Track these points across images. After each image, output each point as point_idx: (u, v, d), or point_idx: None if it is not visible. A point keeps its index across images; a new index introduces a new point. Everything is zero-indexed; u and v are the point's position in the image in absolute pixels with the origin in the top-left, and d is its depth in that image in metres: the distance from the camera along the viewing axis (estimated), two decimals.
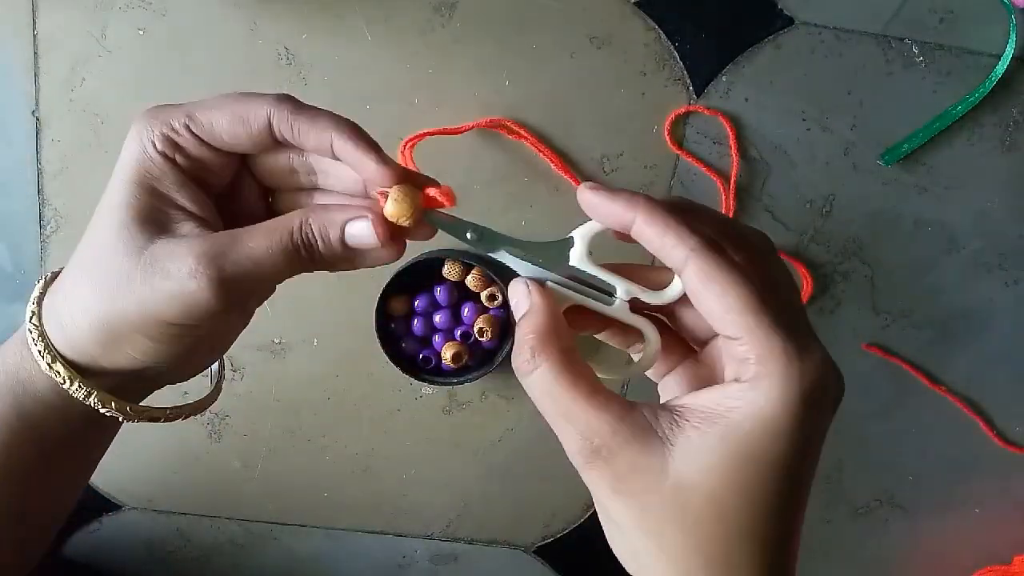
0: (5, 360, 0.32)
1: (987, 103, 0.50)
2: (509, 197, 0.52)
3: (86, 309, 0.30)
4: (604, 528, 0.29)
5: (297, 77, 0.50)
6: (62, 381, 0.30)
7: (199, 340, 0.31)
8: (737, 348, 0.26)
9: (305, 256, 0.29)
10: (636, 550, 0.28)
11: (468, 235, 0.32)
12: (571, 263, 0.30)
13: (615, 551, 0.29)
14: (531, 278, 0.30)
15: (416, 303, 0.52)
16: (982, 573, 0.61)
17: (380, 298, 0.51)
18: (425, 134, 0.50)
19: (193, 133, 0.30)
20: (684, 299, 0.29)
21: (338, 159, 0.31)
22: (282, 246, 0.29)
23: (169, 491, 0.59)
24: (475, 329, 0.52)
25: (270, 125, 0.30)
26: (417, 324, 0.53)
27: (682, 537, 0.26)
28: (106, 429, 0.35)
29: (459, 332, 0.52)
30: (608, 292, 0.30)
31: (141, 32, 0.49)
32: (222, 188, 0.32)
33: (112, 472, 0.59)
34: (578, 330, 0.31)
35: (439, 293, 0.52)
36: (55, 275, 0.33)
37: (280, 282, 0.31)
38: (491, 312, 0.53)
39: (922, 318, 0.55)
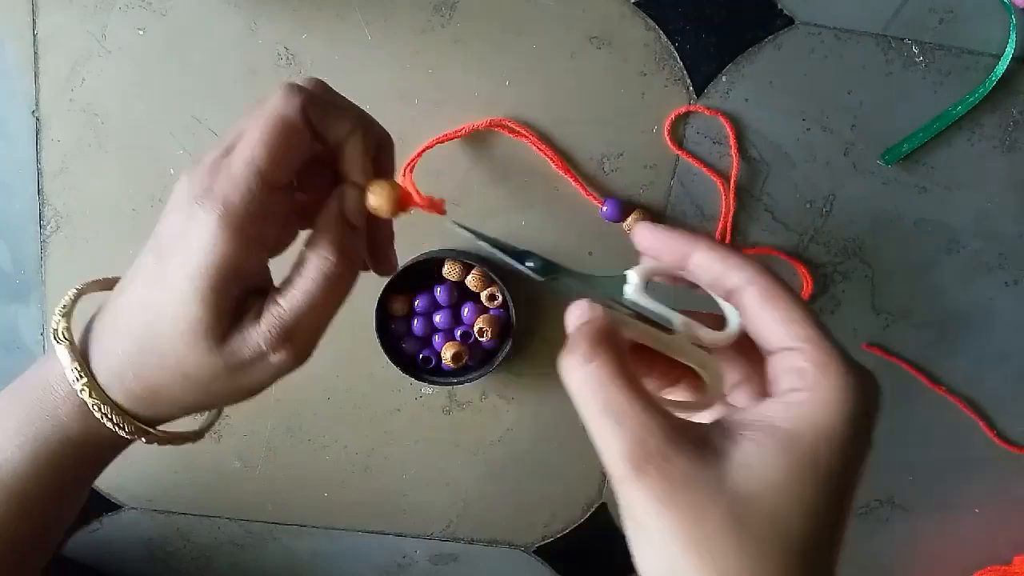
0: (34, 398, 0.32)
1: (987, 103, 0.50)
2: (509, 197, 0.52)
3: (165, 387, 0.31)
4: (632, 541, 0.26)
5: (297, 77, 0.50)
6: (119, 430, 0.32)
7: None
8: (796, 359, 0.26)
9: (345, 271, 0.31)
10: (675, 567, 0.25)
11: (528, 264, 0.33)
12: (628, 296, 0.30)
13: (642, 567, 0.27)
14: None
15: (416, 303, 0.52)
16: (982, 573, 0.61)
17: (380, 298, 0.51)
18: (423, 150, 0.50)
19: (267, 186, 0.29)
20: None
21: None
22: (323, 280, 0.30)
23: (169, 491, 0.59)
24: (475, 329, 0.52)
25: (311, 130, 0.30)
26: (417, 324, 0.53)
27: (737, 552, 0.24)
28: (117, 451, 0.36)
29: (459, 332, 0.52)
30: (667, 328, 0.30)
31: (141, 32, 0.49)
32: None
33: (112, 472, 0.58)
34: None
35: (439, 293, 0.52)
36: (79, 291, 0.34)
37: (341, 303, 0.33)
38: (491, 312, 0.53)
39: (922, 318, 0.55)
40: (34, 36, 0.49)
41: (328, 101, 0.31)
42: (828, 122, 0.51)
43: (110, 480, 0.59)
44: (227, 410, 0.57)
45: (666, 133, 0.51)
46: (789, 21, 0.49)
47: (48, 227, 0.53)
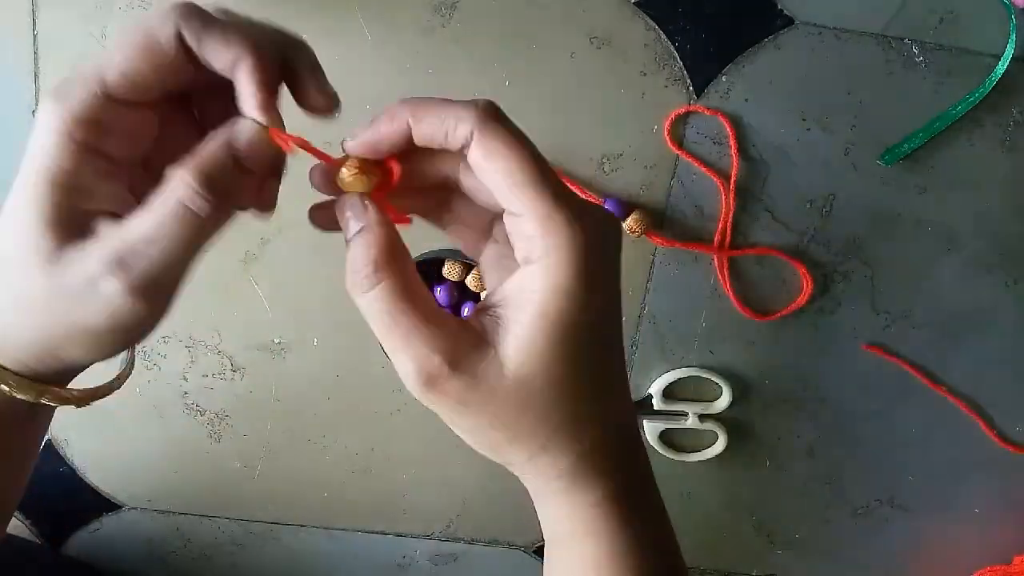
0: None
1: (987, 103, 0.50)
2: None
3: (9, 332, 0.28)
4: (458, 433, 0.29)
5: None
6: (6, 388, 0.28)
7: (130, 341, 0.29)
8: (523, 225, 0.27)
9: (194, 218, 0.26)
10: (496, 444, 0.29)
11: None
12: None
13: (479, 449, 0.30)
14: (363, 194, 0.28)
15: None
16: (982, 573, 0.61)
17: None
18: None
19: (110, 98, 0.27)
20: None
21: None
22: (174, 210, 0.26)
23: (169, 491, 0.59)
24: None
25: (180, 39, 0.26)
26: None
27: (529, 416, 0.28)
28: (44, 415, 0.33)
29: None
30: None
31: None
32: (146, 150, 0.29)
33: (112, 472, 0.59)
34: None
35: (439, 293, 0.52)
36: None
37: (198, 250, 0.28)
38: None
39: (922, 318, 0.55)
40: (34, 36, 0.49)
41: (212, 21, 0.27)
42: (828, 122, 0.51)
43: (110, 480, 0.59)
44: (227, 410, 0.57)
45: (666, 133, 0.51)
46: (789, 21, 0.49)
47: None
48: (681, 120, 0.51)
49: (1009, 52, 0.49)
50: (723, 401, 0.56)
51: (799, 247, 0.54)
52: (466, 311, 0.52)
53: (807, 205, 0.53)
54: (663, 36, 0.50)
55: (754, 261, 0.54)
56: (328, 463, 0.58)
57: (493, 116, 0.28)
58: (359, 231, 0.28)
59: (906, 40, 0.50)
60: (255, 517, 0.60)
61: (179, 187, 0.26)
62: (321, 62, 0.49)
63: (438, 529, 0.60)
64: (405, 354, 0.27)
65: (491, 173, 0.27)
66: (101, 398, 0.32)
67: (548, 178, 0.27)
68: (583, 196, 0.30)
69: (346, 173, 0.28)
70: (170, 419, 0.57)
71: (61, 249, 0.26)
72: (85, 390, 0.31)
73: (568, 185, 0.28)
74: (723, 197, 0.52)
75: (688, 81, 0.50)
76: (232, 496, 0.59)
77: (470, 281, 0.52)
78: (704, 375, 0.56)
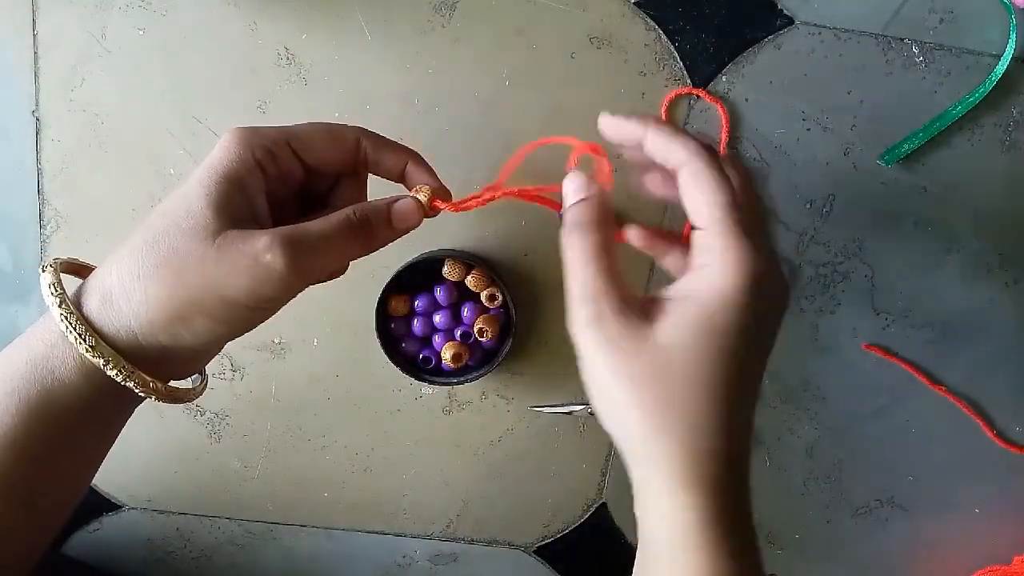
0: (31, 346, 0.32)
1: (987, 103, 0.50)
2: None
3: (149, 290, 0.32)
4: (587, 385, 0.34)
5: (297, 77, 0.50)
6: (103, 363, 0.31)
7: (251, 323, 0.34)
8: (706, 238, 0.33)
9: (359, 230, 0.35)
10: (615, 403, 0.32)
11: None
12: None
13: (595, 405, 0.34)
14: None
15: (416, 303, 0.52)
16: (982, 573, 0.61)
17: (380, 298, 0.51)
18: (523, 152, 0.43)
19: (291, 148, 0.35)
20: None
21: (401, 179, 0.39)
22: (343, 223, 0.34)
23: (169, 491, 0.59)
24: (475, 329, 0.52)
25: (358, 148, 0.37)
26: (417, 324, 0.53)
27: (660, 391, 0.31)
28: (122, 413, 0.36)
29: (459, 332, 0.52)
30: None
31: (141, 32, 0.49)
32: (287, 195, 0.37)
33: (112, 472, 0.59)
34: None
35: (439, 293, 0.52)
36: (63, 262, 0.35)
37: (339, 263, 0.37)
38: (491, 312, 0.53)
39: (922, 318, 0.55)
40: (34, 36, 0.49)
41: (387, 139, 0.38)
42: (828, 122, 0.51)
43: (110, 480, 0.59)
44: (227, 410, 0.57)
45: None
46: (789, 21, 0.49)
47: (48, 227, 0.53)
48: (682, 116, 0.51)
49: (1009, 52, 0.49)
50: None
51: (799, 247, 0.54)
52: (466, 311, 0.52)
53: (807, 205, 0.53)
54: (663, 36, 0.50)
55: None
56: (328, 463, 0.58)
57: (707, 151, 0.34)
58: (583, 199, 0.35)
59: (906, 40, 0.50)
60: (255, 517, 0.60)
61: (349, 211, 0.35)
62: (321, 62, 0.50)
63: (438, 529, 0.60)
64: (588, 288, 0.33)
65: (690, 190, 0.33)
66: (177, 402, 0.35)
67: (737, 211, 0.33)
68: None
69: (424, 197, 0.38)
70: (170, 419, 0.57)
71: (225, 229, 0.32)
72: (168, 386, 0.34)
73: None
74: None
75: (688, 81, 0.50)
76: (232, 496, 0.59)
77: (470, 281, 0.52)
78: None
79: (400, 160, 0.38)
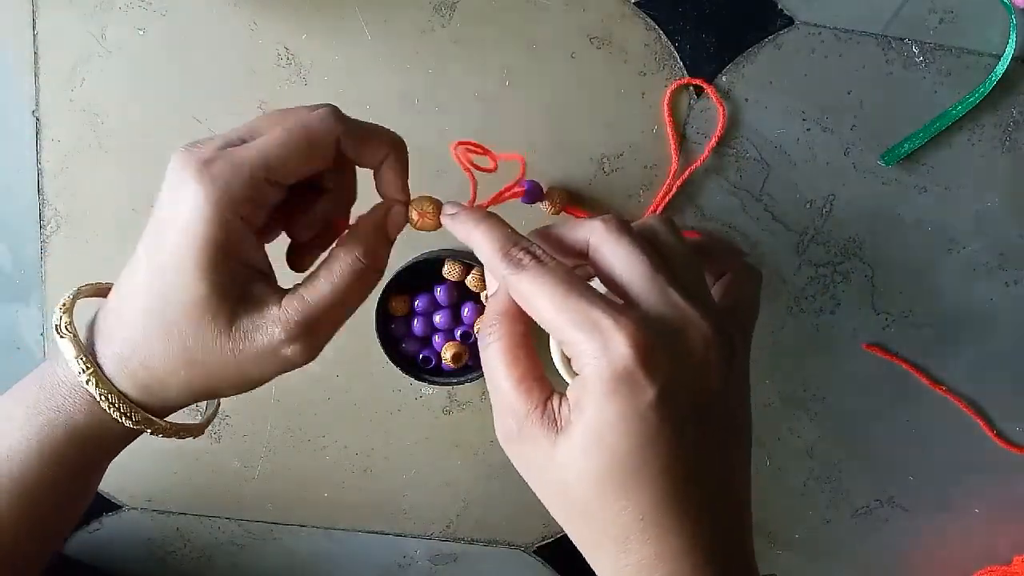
0: (41, 394, 0.32)
1: (987, 103, 0.50)
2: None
3: (172, 373, 0.31)
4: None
5: (297, 77, 0.50)
6: (126, 420, 0.32)
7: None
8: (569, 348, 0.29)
9: (370, 273, 0.32)
10: (557, 514, 0.31)
11: None
12: None
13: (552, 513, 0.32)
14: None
15: (416, 303, 0.52)
16: (982, 573, 0.61)
17: (380, 298, 0.51)
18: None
19: (270, 182, 0.30)
20: None
21: (375, 170, 0.34)
22: (352, 275, 0.32)
23: (169, 491, 0.59)
24: (475, 329, 0.52)
25: (339, 146, 0.31)
26: (417, 324, 0.53)
27: (563, 515, 0.31)
28: (123, 444, 0.36)
29: (459, 332, 0.52)
30: None
31: (141, 32, 0.49)
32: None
33: (112, 472, 0.58)
34: None
35: (439, 293, 0.52)
36: (71, 302, 0.34)
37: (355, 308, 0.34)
38: None
39: (922, 318, 0.55)
40: (34, 36, 0.49)
41: (365, 128, 0.32)
42: (828, 122, 0.51)
43: (110, 480, 0.59)
44: (227, 410, 0.57)
45: (666, 113, 0.51)
46: (789, 21, 0.49)
47: (48, 227, 0.53)
48: (681, 116, 0.51)
49: (1009, 52, 0.49)
50: None
51: (799, 247, 0.54)
52: (466, 311, 0.52)
53: (807, 205, 0.53)
54: (663, 36, 0.50)
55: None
56: (328, 463, 0.58)
57: (516, 264, 0.30)
58: (493, 293, 0.32)
59: (906, 40, 0.50)
60: (255, 517, 0.60)
61: (352, 262, 0.32)
62: (321, 62, 0.50)
63: (438, 529, 0.60)
64: (501, 402, 0.31)
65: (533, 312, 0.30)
66: (183, 437, 0.35)
67: (573, 300, 0.28)
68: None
69: (416, 215, 0.34)
70: (170, 419, 0.57)
71: (237, 314, 0.30)
72: (176, 424, 0.34)
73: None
74: (671, 167, 0.52)
75: (687, 84, 0.50)
76: (232, 496, 0.59)
77: (470, 281, 0.52)
78: None
79: (378, 156, 0.33)
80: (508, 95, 0.51)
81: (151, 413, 0.33)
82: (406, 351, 0.53)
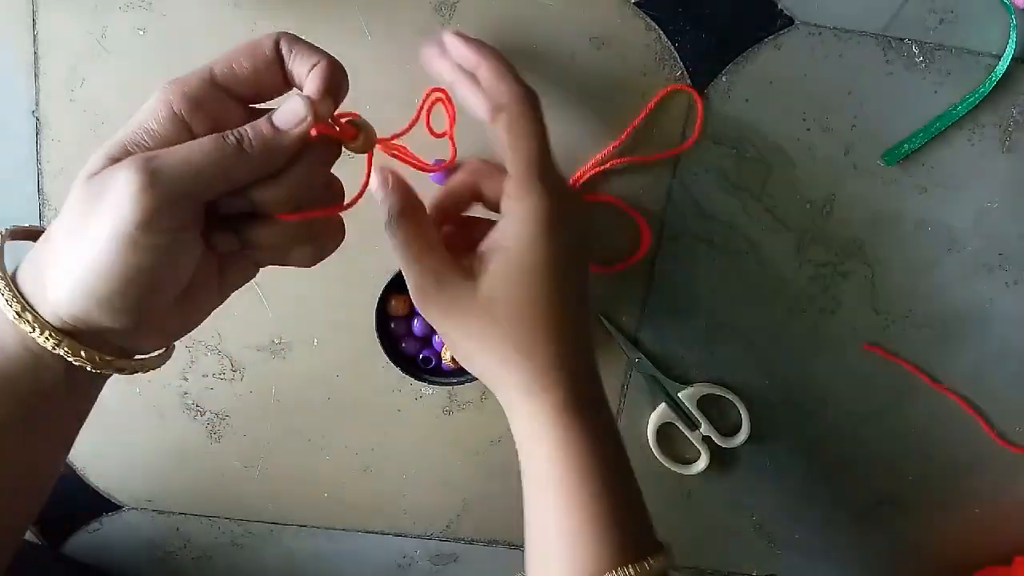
0: None
1: (987, 103, 0.50)
2: None
3: (67, 268, 0.31)
4: (448, 344, 0.42)
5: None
6: (30, 330, 0.31)
7: (156, 284, 0.31)
8: (511, 187, 0.38)
9: (234, 148, 0.31)
10: (469, 354, 0.40)
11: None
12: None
13: (458, 359, 0.42)
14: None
15: None
16: (982, 573, 0.61)
17: (380, 298, 0.51)
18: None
19: (213, 82, 0.33)
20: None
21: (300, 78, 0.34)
22: (212, 143, 0.31)
23: (169, 491, 0.59)
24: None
25: (281, 58, 0.33)
26: (417, 324, 0.53)
27: (494, 332, 0.38)
28: (81, 393, 0.35)
29: None
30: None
31: (141, 32, 0.49)
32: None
33: (112, 472, 0.59)
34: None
35: None
36: (11, 232, 0.35)
37: (220, 191, 0.31)
38: None
39: (922, 318, 0.55)
40: (34, 36, 0.49)
41: (306, 42, 0.34)
42: (828, 122, 0.51)
43: (110, 480, 0.59)
44: (227, 410, 0.57)
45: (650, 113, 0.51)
46: (789, 21, 0.49)
47: None
48: (683, 113, 0.51)
49: (1009, 52, 0.49)
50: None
51: (799, 247, 0.54)
52: None
53: (807, 205, 0.53)
54: (663, 36, 0.50)
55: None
56: (328, 463, 0.58)
57: (529, 97, 0.39)
58: (384, 197, 0.39)
59: (906, 40, 0.50)
60: (255, 517, 0.60)
61: (229, 131, 0.32)
62: None
63: (438, 529, 0.60)
64: (412, 272, 0.38)
65: (505, 136, 0.38)
66: (123, 373, 0.34)
67: (541, 158, 0.38)
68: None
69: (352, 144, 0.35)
70: (170, 419, 0.57)
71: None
72: (125, 360, 0.34)
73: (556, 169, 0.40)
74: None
75: (688, 81, 0.50)
76: (232, 496, 0.59)
77: None
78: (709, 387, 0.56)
79: (311, 62, 0.33)
80: None
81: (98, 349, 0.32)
82: (406, 351, 0.53)
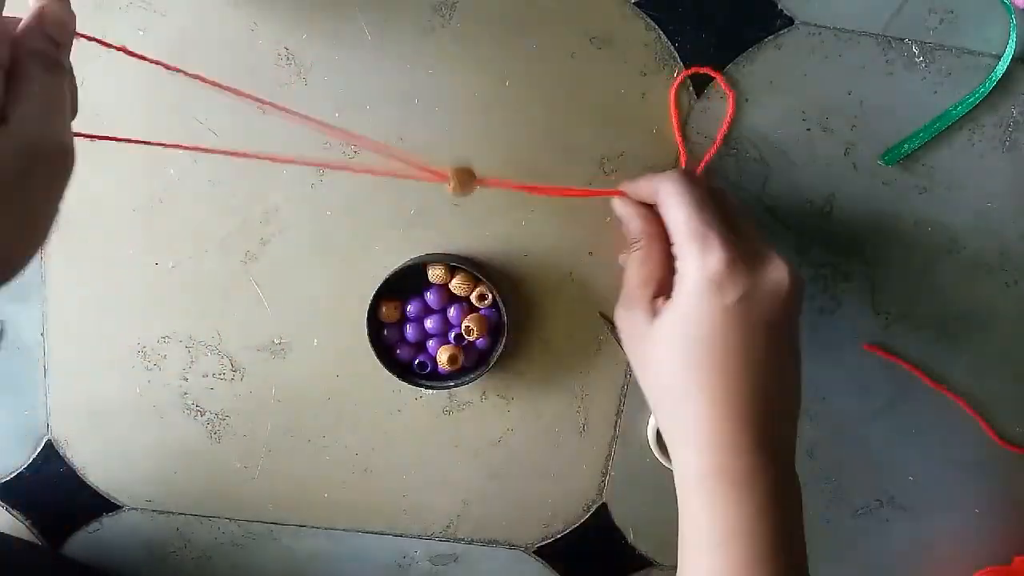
0: None
1: (987, 103, 0.50)
2: (508, 196, 0.52)
3: None
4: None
5: (297, 77, 0.50)
6: None
7: None
8: (677, 248, 0.40)
9: None
10: (645, 386, 0.43)
11: None
12: None
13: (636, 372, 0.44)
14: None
15: (408, 308, 0.52)
16: (982, 573, 0.61)
17: (371, 306, 0.51)
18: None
19: None
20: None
21: None
22: None
23: (169, 491, 0.59)
24: (462, 328, 0.52)
25: None
26: (410, 330, 0.53)
27: (648, 386, 0.42)
28: None
29: (453, 335, 0.52)
30: None
31: (141, 32, 0.49)
32: None
33: (112, 472, 0.59)
34: None
35: (429, 296, 0.52)
36: None
37: None
38: (481, 312, 0.53)
39: (922, 318, 0.55)
40: None
41: None
42: (828, 122, 0.51)
43: (110, 480, 0.59)
44: (227, 410, 0.57)
45: (673, 115, 0.51)
46: (789, 21, 0.49)
47: None
48: (684, 114, 0.51)
49: (1009, 52, 0.49)
50: None
51: (799, 247, 0.54)
52: (452, 312, 0.52)
53: (807, 205, 0.53)
54: (663, 36, 0.50)
55: None
56: (328, 463, 0.58)
57: (676, 176, 0.43)
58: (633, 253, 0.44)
59: (906, 40, 0.50)
60: (255, 517, 0.60)
61: None
62: (321, 62, 0.50)
63: (438, 529, 0.60)
64: (625, 290, 0.44)
65: (663, 211, 0.42)
66: None
67: (697, 212, 0.40)
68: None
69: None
70: (170, 419, 0.57)
71: None
72: None
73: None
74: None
75: (688, 81, 0.50)
76: (232, 496, 0.59)
77: (455, 284, 0.51)
78: None
79: None
80: (508, 95, 0.51)
81: None
82: (400, 357, 0.53)
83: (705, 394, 0.38)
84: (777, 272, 0.40)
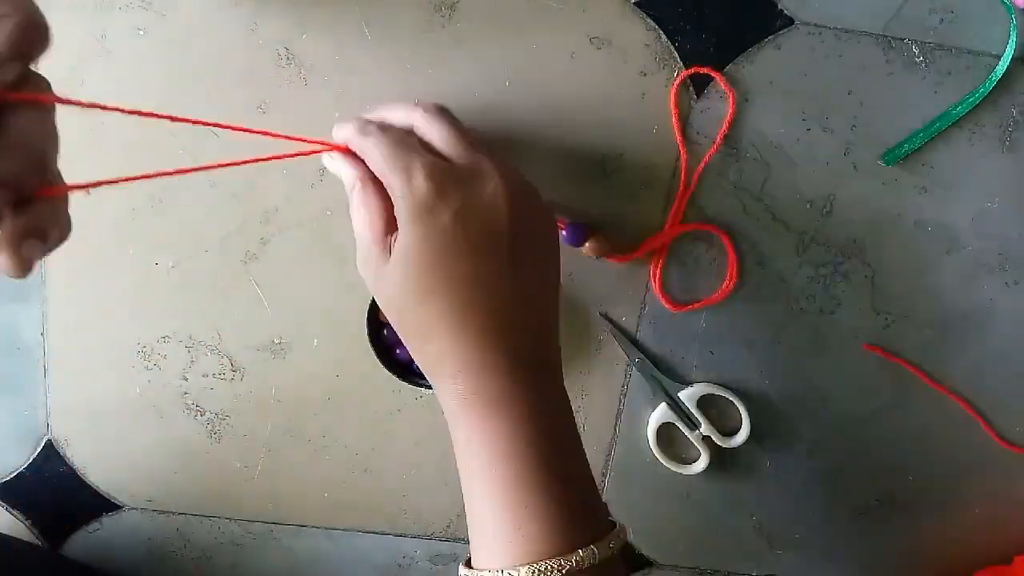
0: None
1: (987, 103, 0.50)
2: None
3: None
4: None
5: (297, 77, 0.50)
6: None
7: None
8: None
9: None
10: (389, 316, 0.42)
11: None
12: None
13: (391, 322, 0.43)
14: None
15: None
16: (982, 573, 0.61)
17: (370, 307, 0.51)
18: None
19: None
20: None
21: None
22: None
23: (169, 491, 0.59)
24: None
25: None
26: None
27: (392, 319, 0.41)
28: None
29: None
30: None
31: (141, 32, 0.49)
32: None
33: (112, 472, 0.59)
34: None
35: None
36: None
37: None
38: None
39: (922, 318, 0.55)
40: None
41: None
42: (828, 122, 0.51)
43: (110, 480, 0.59)
44: (227, 410, 0.57)
45: (673, 114, 0.51)
46: (789, 21, 0.49)
47: None
48: (684, 115, 0.51)
49: (1009, 52, 0.49)
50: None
51: (799, 247, 0.54)
52: None
53: (807, 205, 0.53)
54: (663, 36, 0.50)
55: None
56: (328, 463, 0.58)
57: (358, 127, 0.42)
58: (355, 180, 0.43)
59: (906, 40, 0.50)
60: (255, 517, 0.60)
61: None
62: (321, 62, 0.50)
63: (438, 529, 0.60)
64: (358, 244, 0.41)
65: (366, 160, 0.42)
66: None
67: (400, 155, 0.40)
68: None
69: None
70: (170, 419, 0.57)
71: None
72: None
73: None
74: (681, 166, 0.52)
75: (688, 81, 0.50)
76: (232, 496, 0.59)
77: None
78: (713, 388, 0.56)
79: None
80: (508, 95, 0.51)
81: None
82: (400, 357, 0.53)
83: (444, 322, 0.38)
84: (490, 182, 0.39)
